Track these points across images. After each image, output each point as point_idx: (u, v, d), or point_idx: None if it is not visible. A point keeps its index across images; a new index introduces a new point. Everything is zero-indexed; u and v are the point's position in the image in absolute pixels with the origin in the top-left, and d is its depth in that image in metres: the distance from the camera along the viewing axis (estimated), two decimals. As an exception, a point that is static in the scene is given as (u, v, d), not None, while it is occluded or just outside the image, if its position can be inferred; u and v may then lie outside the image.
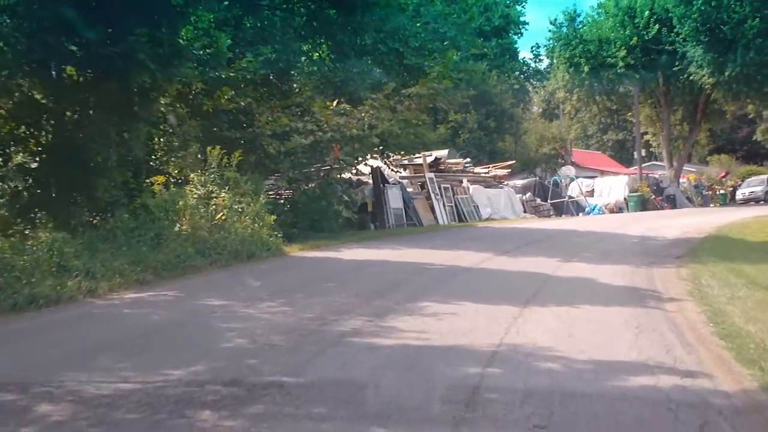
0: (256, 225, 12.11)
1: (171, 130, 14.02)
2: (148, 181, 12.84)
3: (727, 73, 32.59)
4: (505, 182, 30.13)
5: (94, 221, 10.09)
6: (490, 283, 9.44)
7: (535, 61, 60.28)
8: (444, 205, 23.57)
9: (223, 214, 12.00)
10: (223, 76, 14.64)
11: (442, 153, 26.76)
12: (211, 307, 7.08)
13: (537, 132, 42.92)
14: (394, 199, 21.57)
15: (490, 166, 29.65)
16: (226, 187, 12.92)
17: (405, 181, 23.46)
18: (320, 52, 17.44)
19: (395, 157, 23.70)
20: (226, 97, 14.43)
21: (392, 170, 20.46)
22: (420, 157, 23.82)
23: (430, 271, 10.65)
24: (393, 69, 17.12)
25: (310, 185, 16.09)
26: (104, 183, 10.04)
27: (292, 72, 16.45)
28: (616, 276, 10.94)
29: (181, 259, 9.47)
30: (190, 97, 14.68)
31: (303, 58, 16.68)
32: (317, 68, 16.65)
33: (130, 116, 9.82)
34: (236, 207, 12.20)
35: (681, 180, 39.57)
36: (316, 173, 16.01)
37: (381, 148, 18.55)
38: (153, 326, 6.35)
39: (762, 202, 39.01)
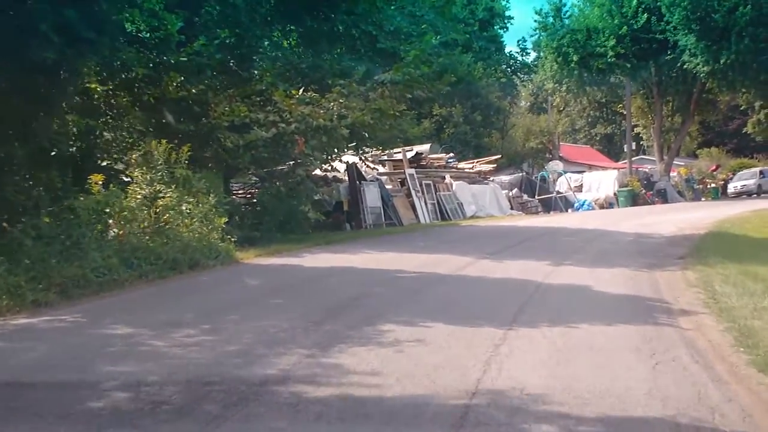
0: (205, 228, 10.56)
1: (113, 123, 12.46)
2: (87, 180, 11.23)
3: (722, 61, 31.31)
4: (491, 178, 28.70)
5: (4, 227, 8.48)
6: (470, 295, 7.98)
7: (522, 55, 58.99)
8: (426, 203, 22.10)
9: (168, 217, 10.45)
10: (173, 61, 13.08)
11: (424, 148, 25.28)
12: (109, 338, 5.54)
13: (524, 126, 41.54)
14: (371, 198, 20.06)
15: (475, 161, 28.17)
16: (174, 186, 11.35)
17: (384, 178, 21.95)
18: (290, 40, 15.96)
19: (373, 152, 22.25)
20: (174, 84, 12.84)
21: (368, 166, 18.95)
22: (400, 152, 22.31)
23: (401, 280, 9.17)
24: (365, 54, 15.63)
25: (275, 183, 14.51)
26: (13, 182, 8.46)
27: (254, 58, 14.88)
28: (616, 282, 9.54)
29: (99, 273, 7.89)
30: (136, 85, 13.09)
31: (266, 43, 15.13)
32: (282, 54, 15.11)
33: (36, 101, 8.20)
34: (182, 208, 10.62)
35: (671, 174, 38.33)
36: (287, 170, 14.42)
37: (356, 143, 17.00)
38: (20, 367, 4.81)
39: (754, 195, 37.91)
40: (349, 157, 19.71)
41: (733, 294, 8.11)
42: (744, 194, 38.09)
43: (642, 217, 23.25)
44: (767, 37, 30.61)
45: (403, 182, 21.99)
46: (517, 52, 55.40)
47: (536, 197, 30.50)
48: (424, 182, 22.49)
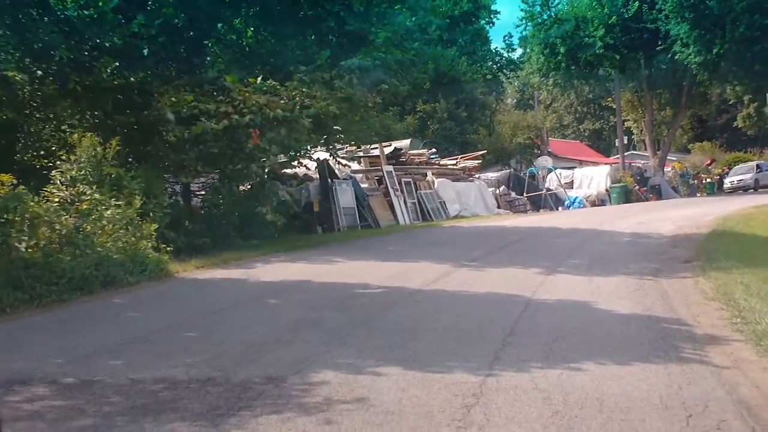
0: (132, 237, 8.84)
1: (39, 116, 10.75)
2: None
3: (715, 51, 29.93)
4: (477, 175, 27.10)
5: None
6: (441, 320, 6.34)
7: (508, 51, 57.54)
8: (405, 202, 20.46)
9: (86, 224, 8.73)
10: (107, 45, 11.38)
11: (404, 143, 23.65)
12: None
13: (511, 121, 39.98)
14: (344, 197, 18.40)
15: (459, 157, 26.52)
16: (98, 186, 9.63)
17: (359, 176, 20.29)
18: (248, 22, 14.25)
19: (348, 148, 20.57)
20: (107, 70, 11.11)
21: (340, 163, 17.28)
22: (376, 148, 20.66)
23: (360, 299, 7.52)
24: (333, 38, 13.97)
25: (228, 182, 12.78)
26: None
27: (206, 42, 13.18)
28: (620, 295, 7.98)
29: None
30: (68, 70, 11.36)
31: (220, 26, 13.42)
32: (238, 38, 13.41)
33: None
34: (106, 213, 8.91)
35: (665, 169, 36.93)
36: (241, 167, 12.68)
37: (325, 137, 15.31)
38: None
39: (751, 190, 36.59)
40: (322, 154, 18.04)
41: (765, 310, 6.57)
42: (740, 189, 36.78)
43: (638, 214, 21.85)
44: (764, 24, 29.22)
45: (380, 180, 20.34)
46: (503, 49, 54.15)
47: (525, 195, 28.95)
48: (403, 180, 20.85)
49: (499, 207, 25.45)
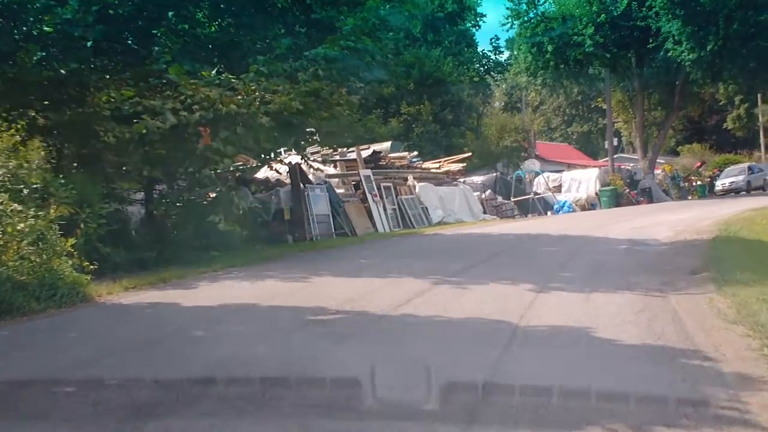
0: (44, 254, 7.42)
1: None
2: None
3: (708, 48, 28.83)
4: (461, 179, 25.78)
5: None
6: (404, 355, 5.00)
7: (495, 54, 56.55)
8: (384, 209, 19.10)
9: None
10: (35, 32, 9.96)
11: (384, 146, 22.31)
12: None
13: (498, 123, 38.74)
14: (318, 204, 17.02)
15: (442, 160, 25.16)
16: (16, 193, 8.21)
17: (335, 181, 18.91)
18: (206, 16, 12.90)
19: (324, 150, 19.21)
20: (32, 61, 9.69)
21: (312, 166, 15.89)
22: (353, 151, 19.29)
23: (310, 329, 6.12)
24: (299, 27, 12.61)
25: (177, 187, 11.33)
26: None
27: (154, 31, 11.77)
28: (623, 318, 6.70)
29: None
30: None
31: (171, 14, 12.02)
32: (190, 27, 12.01)
33: None
34: (15, 225, 7.47)
35: (655, 171, 35.79)
36: (192, 170, 11.24)
37: (293, 138, 13.92)
38: None
39: (743, 192, 35.58)
40: (296, 158, 16.63)
41: (803, 335, 5.32)
42: (732, 191, 35.75)
43: (630, 219, 20.67)
44: (759, 21, 28.18)
45: (357, 185, 18.97)
46: (490, 51, 53.13)
47: (512, 199, 27.67)
48: (382, 185, 19.48)
49: (485, 212, 24.13)
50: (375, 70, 13.02)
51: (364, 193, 18.62)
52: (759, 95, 49.46)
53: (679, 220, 18.68)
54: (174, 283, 8.85)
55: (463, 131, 40.30)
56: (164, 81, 10.98)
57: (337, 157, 19.55)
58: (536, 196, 28.78)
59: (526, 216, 26.61)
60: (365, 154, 19.91)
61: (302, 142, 14.73)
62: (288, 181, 17.27)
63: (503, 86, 60.86)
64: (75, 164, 10.35)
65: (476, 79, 50.63)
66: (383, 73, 14.12)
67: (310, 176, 18.26)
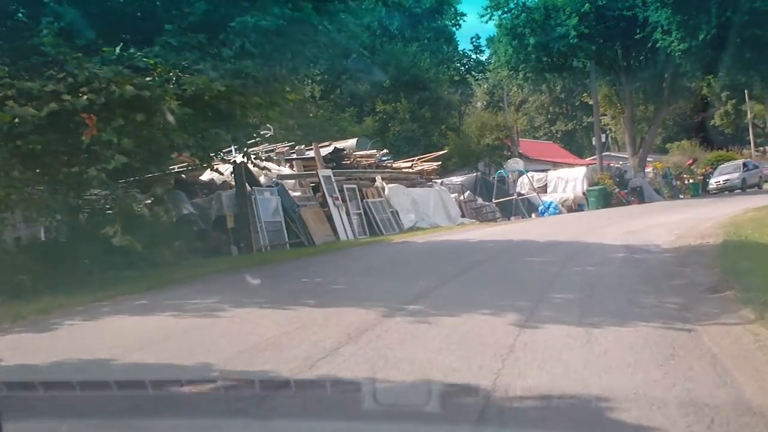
0: None
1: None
2: None
3: (700, 37, 26.87)
4: (438, 179, 23.54)
5: None
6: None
7: (476, 53, 54.68)
8: (348, 214, 16.81)
9: None
10: None
11: (348, 143, 20.03)
12: None
13: (478, 120, 36.60)
14: (267, 209, 14.71)
15: (415, 158, 22.87)
16: None
17: (291, 182, 16.58)
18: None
19: (280, 148, 16.92)
20: None
21: (257, 165, 13.56)
22: (311, 148, 17.01)
23: (158, 418, 3.83)
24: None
25: (61, 191, 8.92)
26: None
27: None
28: (646, 372, 4.62)
29: None
30: None
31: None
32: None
33: None
34: None
35: (646, 170, 33.85)
36: (79, 171, 8.85)
37: (229, 132, 11.65)
38: None
39: (738, 190, 33.72)
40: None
41: None
42: (727, 190, 33.89)
43: (623, 221, 18.65)
44: (753, 8, 26.26)
45: (317, 187, 16.67)
46: (471, 50, 51.39)
47: (493, 201, 25.49)
48: (346, 186, 17.20)
49: (463, 215, 21.90)
50: (324, 48, 10.72)
51: (324, 196, 16.33)
52: (746, 91, 48.05)
53: (677, 221, 16.84)
54: (31, 321, 6.51)
55: (443, 130, 38.29)
56: (49, 59, 8.63)
57: (294, 156, 17.25)
58: (520, 197, 26.66)
59: (509, 219, 24.50)
60: (326, 151, 17.64)
61: (243, 137, 12.46)
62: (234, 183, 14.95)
63: (485, 86, 59.03)
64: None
65: (457, 78, 48.76)
66: (337, 51, 11.81)
67: (261, 178, 15.97)
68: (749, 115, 51.58)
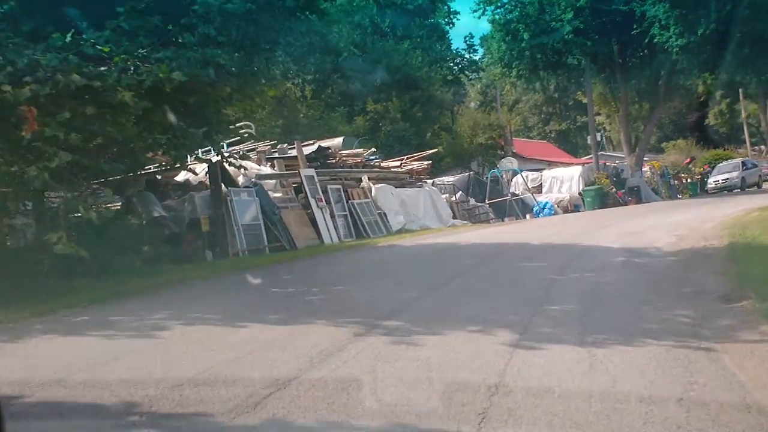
0: None
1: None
2: None
3: (699, 32, 26.06)
4: (429, 179, 22.63)
5: None
6: None
7: (469, 52, 53.95)
8: (333, 215, 15.92)
9: None
10: None
11: (334, 141, 19.14)
12: None
13: (471, 119, 35.72)
14: (245, 211, 13.81)
15: (404, 157, 21.97)
16: None
17: (271, 183, 15.68)
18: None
19: (263, 147, 16.01)
20: None
21: (233, 164, 12.64)
22: (294, 147, 16.11)
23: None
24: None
25: None
26: None
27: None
28: (665, 415, 3.61)
29: None
30: None
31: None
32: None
33: None
34: None
35: (643, 169, 33.03)
36: (19, 172, 7.92)
37: (205, 128, 10.73)
38: None
39: (737, 190, 32.97)
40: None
41: None
42: (726, 189, 33.12)
43: (621, 222, 17.86)
44: (754, 1, 25.44)
45: (299, 188, 15.76)
46: (464, 50, 50.77)
47: (486, 201, 24.61)
48: (330, 187, 16.30)
49: (455, 217, 21.01)
50: (301, 36, 9.83)
51: (306, 197, 15.44)
52: (741, 90, 47.38)
53: (678, 222, 16.08)
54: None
55: (436, 130, 37.48)
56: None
57: (276, 155, 16.35)
58: (514, 198, 25.80)
59: (503, 220, 23.64)
60: (309, 150, 16.73)
61: (218, 135, 11.57)
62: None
63: (478, 86, 58.30)
64: None
65: (450, 77, 48.00)
66: (316, 39, 10.92)
67: (240, 178, 15.07)
68: (743, 114, 50.99)
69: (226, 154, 12.14)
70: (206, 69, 8.57)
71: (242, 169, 13.15)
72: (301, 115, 32.85)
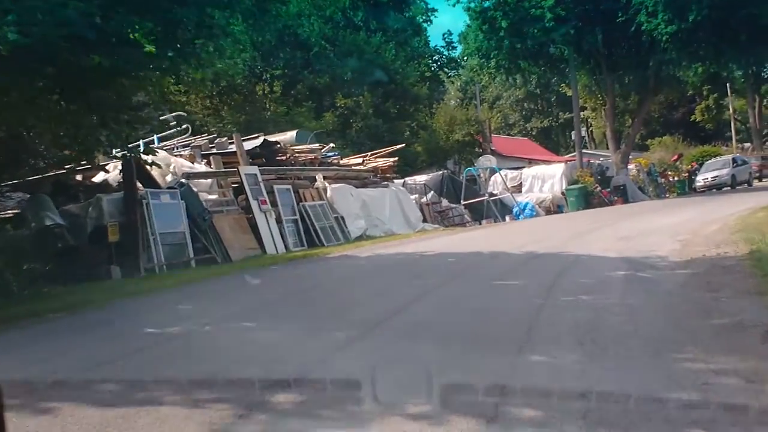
0: None
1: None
2: None
3: (691, 18, 24.05)
4: (399, 178, 20.33)
5: None
6: None
7: (448, 49, 51.96)
8: (280, 221, 13.57)
9: None
10: None
11: (285, 136, 16.79)
12: None
13: (447, 114, 33.52)
14: (166, 216, 11.40)
15: (368, 154, 19.55)
16: None
17: (206, 182, 13.28)
18: None
19: (198, 141, 13.60)
20: None
21: (146, 162, 10.26)
22: (232, 141, 13.74)
23: None
24: None
25: None
26: None
27: None
28: None
29: None
30: None
31: None
32: None
33: None
34: None
35: (628, 166, 31.02)
36: None
37: (99, 116, 8.39)
38: None
39: (727, 188, 31.11)
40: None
41: None
42: (715, 187, 31.26)
43: (611, 225, 15.87)
44: (749, -17, 23.53)
45: (240, 188, 13.39)
46: (443, 47, 48.82)
47: (462, 202, 22.36)
48: (277, 187, 13.93)
49: (425, 220, 18.70)
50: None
51: (247, 199, 13.07)
52: (728, 85, 45.76)
53: (675, 224, 14.24)
54: None
55: (411, 126, 35.33)
56: None
57: (214, 150, 13.95)
58: (492, 198, 23.58)
59: (480, 223, 21.41)
60: (252, 144, 14.36)
61: (116, 122, 9.22)
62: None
63: (458, 83, 56.38)
64: None
65: (428, 74, 46.06)
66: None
67: (168, 177, 12.68)
68: (731, 110, 49.46)
69: (140, 150, 9.77)
70: (63, 29, 6.21)
71: (154, 165, 10.72)
72: (267, 111, 30.56)
